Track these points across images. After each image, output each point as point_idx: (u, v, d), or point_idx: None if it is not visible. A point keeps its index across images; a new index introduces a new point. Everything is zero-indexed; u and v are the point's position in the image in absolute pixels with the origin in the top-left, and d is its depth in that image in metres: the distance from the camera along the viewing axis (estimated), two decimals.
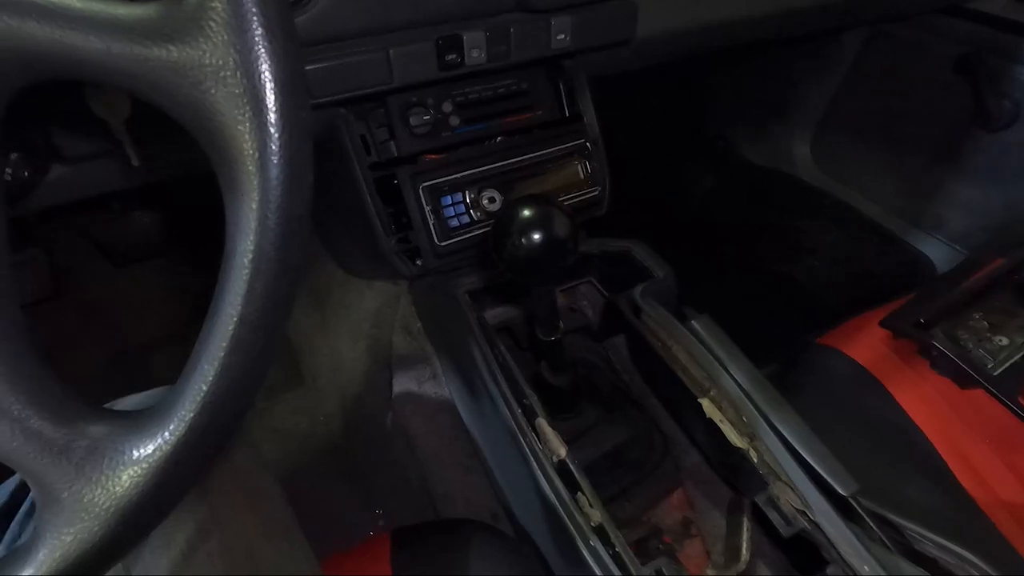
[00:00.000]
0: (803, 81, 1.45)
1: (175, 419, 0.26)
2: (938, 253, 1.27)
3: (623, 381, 0.82)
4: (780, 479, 0.55)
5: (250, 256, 0.25)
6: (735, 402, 0.60)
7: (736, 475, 0.63)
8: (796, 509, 0.54)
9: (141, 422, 0.27)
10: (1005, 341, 0.78)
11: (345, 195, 0.76)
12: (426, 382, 0.83)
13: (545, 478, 0.54)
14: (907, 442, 0.71)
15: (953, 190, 1.24)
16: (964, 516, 0.62)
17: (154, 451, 0.26)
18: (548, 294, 0.54)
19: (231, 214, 0.26)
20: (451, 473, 0.77)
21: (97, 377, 1.12)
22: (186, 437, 0.26)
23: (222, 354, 0.26)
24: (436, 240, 0.70)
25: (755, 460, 0.57)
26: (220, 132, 0.24)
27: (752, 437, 0.59)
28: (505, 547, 0.60)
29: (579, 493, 0.53)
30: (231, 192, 0.25)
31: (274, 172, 0.25)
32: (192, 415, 0.26)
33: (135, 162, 0.47)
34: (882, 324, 0.82)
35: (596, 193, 0.80)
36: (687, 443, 0.77)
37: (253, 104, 0.24)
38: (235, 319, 0.26)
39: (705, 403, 0.62)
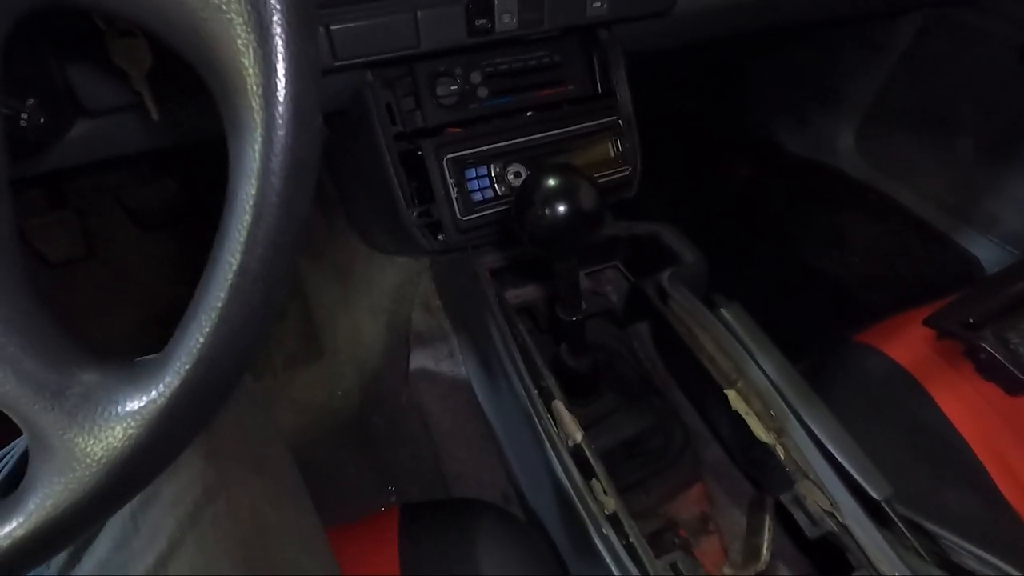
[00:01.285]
0: (851, 69, 1.38)
1: (170, 371, 0.25)
2: (988, 254, 1.20)
3: (645, 369, 0.80)
4: (807, 477, 0.52)
5: (252, 201, 0.24)
6: (763, 395, 0.57)
7: (760, 471, 0.60)
8: (824, 510, 0.51)
9: (136, 372, 0.25)
10: None
11: (369, 165, 0.74)
12: (443, 360, 0.81)
13: (559, 462, 0.52)
14: (947, 448, 0.67)
15: (1009, 188, 1.17)
16: (1006, 529, 0.58)
17: (148, 403, 0.25)
18: (571, 271, 0.51)
19: (233, 155, 0.24)
20: (464, 452, 0.75)
21: (128, 340, 1.14)
22: (181, 390, 0.25)
23: (220, 304, 0.24)
24: (459, 214, 0.68)
25: (782, 456, 0.54)
26: (222, 63, 0.23)
27: (779, 432, 0.56)
28: (513, 530, 0.59)
29: (594, 479, 0.51)
30: (233, 130, 0.24)
31: (279, 109, 0.23)
32: (188, 367, 0.25)
33: (155, 116, 0.46)
34: (926, 323, 0.77)
35: (626, 173, 0.77)
36: (709, 436, 0.75)
37: (258, 33, 0.22)
38: (234, 268, 0.24)
39: (731, 394, 0.59)
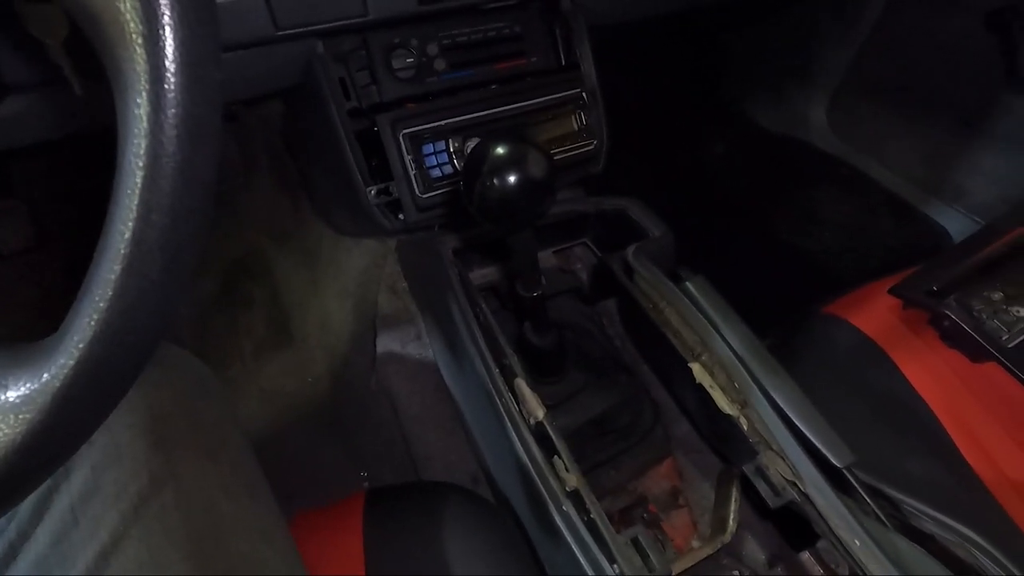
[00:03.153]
0: (823, 41, 1.37)
1: (64, 352, 0.23)
2: (956, 225, 1.21)
3: (614, 346, 0.79)
4: (771, 448, 0.52)
5: (142, 162, 0.22)
6: (727, 367, 0.57)
7: (725, 444, 0.60)
8: (786, 480, 0.50)
9: (27, 355, 0.23)
10: (1022, 313, 0.73)
11: (325, 143, 0.72)
12: (410, 342, 0.80)
13: (520, 440, 0.51)
14: (910, 415, 0.67)
15: (976, 158, 1.17)
16: (967, 493, 0.59)
17: (41, 387, 0.23)
18: (526, 245, 0.50)
19: (120, 114, 0.22)
20: (432, 435, 0.74)
21: None
22: (77, 371, 0.23)
23: (113, 276, 0.22)
24: (417, 192, 0.66)
25: (745, 428, 0.54)
26: (97, 9, 0.20)
27: (743, 404, 0.55)
28: (480, 511, 0.58)
29: (555, 457, 0.50)
30: (117, 86, 0.22)
31: (166, 58, 0.21)
32: (83, 346, 0.23)
33: (77, 90, 0.44)
34: (891, 292, 0.77)
35: (592, 147, 0.75)
36: (678, 412, 0.74)
37: None
38: (127, 237, 0.22)
39: (695, 367, 0.58)
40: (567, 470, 0.49)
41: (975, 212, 1.19)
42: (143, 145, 0.21)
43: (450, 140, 0.66)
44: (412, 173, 0.65)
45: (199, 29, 0.21)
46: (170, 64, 0.21)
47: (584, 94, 0.74)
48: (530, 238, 0.49)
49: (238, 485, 0.47)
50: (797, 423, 0.53)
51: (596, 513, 0.46)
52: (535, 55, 0.74)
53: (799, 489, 0.50)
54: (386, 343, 0.81)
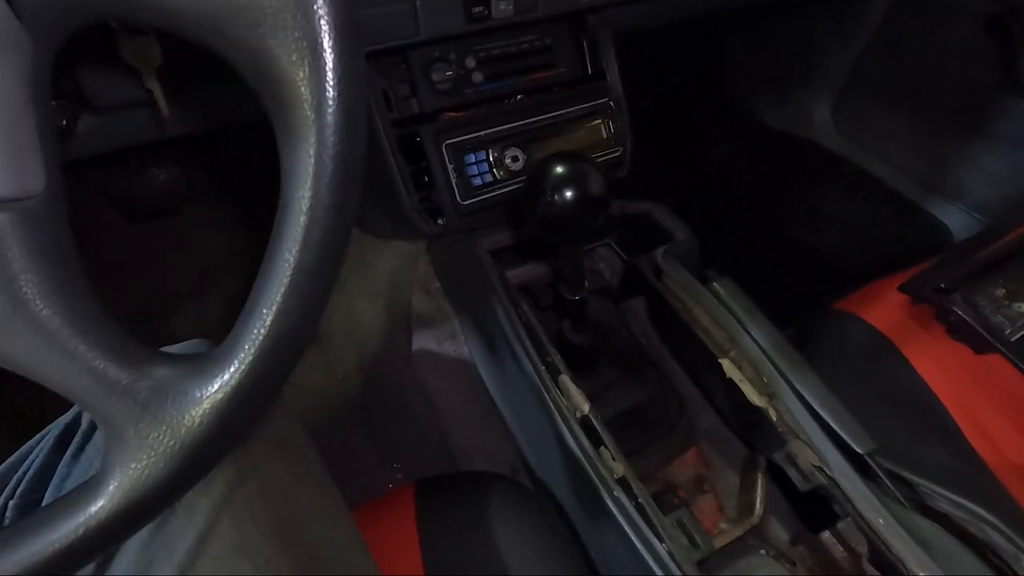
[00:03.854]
0: (826, 44, 1.41)
1: (235, 361, 0.27)
2: (957, 222, 1.26)
3: (640, 343, 0.83)
4: (798, 437, 0.57)
5: (307, 203, 0.26)
6: (755, 362, 0.61)
7: (753, 434, 0.65)
8: (813, 466, 0.55)
9: (202, 365, 0.27)
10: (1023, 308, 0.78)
11: (369, 152, 0.75)
12: (445, 341, 0.84)
13: (570, 432, 0.55)
14: (921, 406, 0.72)
15: (976, 158, 1.22)
16: (975, 476, 0.64)
17: (216, 391, 0.27)
18: (577, 252, 0.54)
19: (287, 161, 0.26)
20: (471, 429, 0.78)
21: None
22: (245, 378, 0.27)
23: (279, 299, 0.26)
24: (459, 199, 0.70)
25: (773, 419, 0.59)
26: (276, 77, 0.24)
27: (771, 396, 0.60)
28: (525, 500, 0.62)
29: (602, 447, 0.55)
30: (287, 138, 0.25)
31: (331, 118, 0.25)
32: (251, 358, 0.27)
33: (165, 113, 0.47)
34: (900, 289, 0.82)
35: (618, 154, 0.79)
36: (703, 403, 0.79)
37: (311, 48, 0.24)
38: (292, 265, 0.26)
39: (725, 363, 0.63)
40: (613, 459, 0.54)
41: (975, 209, 1.24)
42: (310, 188, 0.25)
43: (490, 150, 0.70)
44: (454, 181, 0.69)
45: (358, 91, 0.25)
46: (334, 122, 0.25)
47: (611, 102, 0.78)
48: (580, 248, 0.54)
49: (308, 476, 0.51)
50: (822, 413, 0.57)
51: (644, 498, 0.51)
52: (563, 66, 0.77)
53: (826, 474, 0.54)
54: (421, 341, 0.85)
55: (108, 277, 1.17)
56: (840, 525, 0.60)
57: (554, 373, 0.60)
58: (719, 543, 0.60)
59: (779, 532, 0.67)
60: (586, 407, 0.56)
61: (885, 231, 1.30)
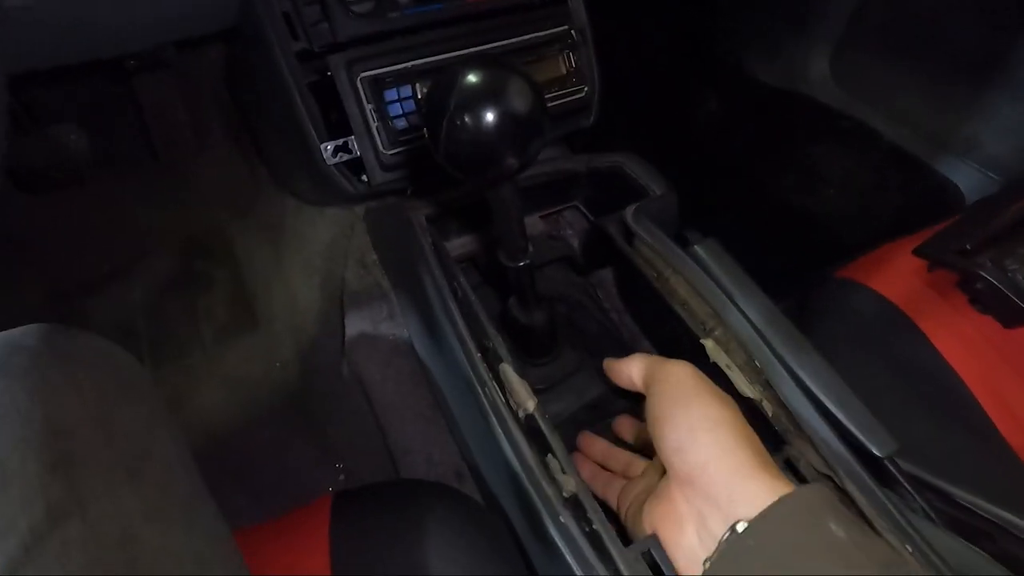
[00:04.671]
0: None
1: None
2: (968, 181, 1.13)
3: (611, 321, 0.71)
4: (800, 436, 0.45)
5: None
6: (745, 344, 0.49)
7: None
8: (819, 473, 0.43)
9: None
10: None
11: (272, 94, 0.61)
12: (382, 322, 0.71)
13: (507, 437, 0.43)
14: (942, 389, 0.60)
15: (992, 108, 1.09)
16: (1010, 475, 0.53)
17: None
18: (508, 202, 0.41)
19: None
20: (410, 426, 0.66)
21: (33, 322, 1.01)
22: None
23: None
24: (381, 147, 0.57)
25: (768, 413, 0.47)
26: None
27: (765, 385, 0.47)
28: (465, 513, 0.50)
29: (549, 455, 0.43)
30: None
31: None
32: None
33: None
34: (916, 252, 0.70)
35: (583, 94, 0.66)
36: None
37: None
38: None
39: (708, 344, 0.50)
40: (563, 471, 0.42)
41: (987, 166, 1.12)
42: None
43: (417, 85, 0.56)
44: (374, 125, 0.56)
45: None
46: None
47: (573, 32, 0.64)
48: (513, 194, 0.41)
49: (166, 508, 0.38)
50: (829, 406, 0.45)
51: (599, 523, 0.38)
52: None
53: (835, 484, 0.42)
54: (356, 323, 0.72)
55: (16, 259, 1.02)
56: None
57: (494, 361, 0.47)
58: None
59: None
60: (531, 404, 0.44)
61: (889, 192, 1.17)
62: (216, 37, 0.70)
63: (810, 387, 0.46)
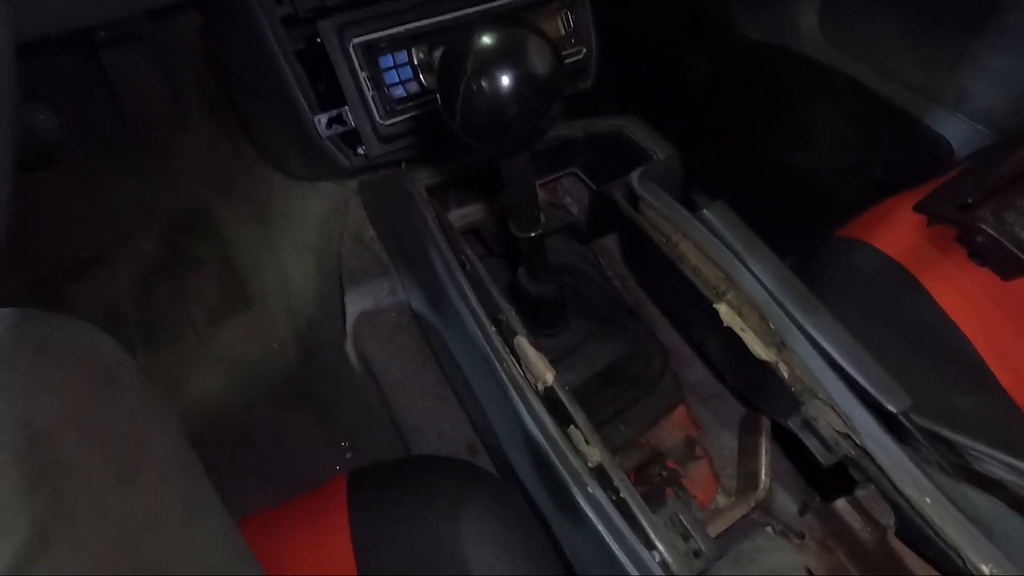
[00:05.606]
0: None
1: None
2: (958, 134, 1.13)
3: (615, 288, 0.70)
4: (817, 397, 0.45)
5: None
6: (760, 306, 0.49)
7: (758, 393, 0.53)
8: (838, 433, 0.44)
9: None
10: None
11: (256, 65, 0.58)
12: (384, 298, 0.70)
13: (528, 411, 0.43)
14: (946, 344, 0.61)
15: (981, 58, 1.09)
16: (1014, 427, 0.54)
17: None
18: (523, 172, 0.40)
19: None
20: (419, 403, 0.66)
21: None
22: None
23: None
24: (378, 117, 0.54)
25: (785, 375, 0.47)
26: None
27: (780, 348, 0.48)
28: (484, 488, 0.50)
29: (572, 427, 0.42)
30: None
31: None
32: None
33: None
34: (917, 208, 0.70)
35: (581, 56, 0.64)
36: (690, 355, 0.67)
37: None
38: None
39: (722, 309, 0.50)
40: (587, 442, 0.41)
41: (977, 119, 1.12)
42: None
43: (414, 50, 0.54)
44: (370, 94, 0.53)
45: None
46: None
47: None
48: (527, 162, 0.39)
49: (167, 511, 0.35)
50: (844, 365, 0.46)
51: (626, 491, 0.39)
52: None
53: (854, 442, 0.43)
54: (357, 301, 0.71)
55: None
56: (860, 493, 0.49)
57: (508, 335, 0.47)
58: (720, 526, 0.50)
59: (786, 502, 0.57)
60: (550, 377, 0.44)
61: (880, 148, 1.17)
62: (189, 2, 0.66)
63: (824, 347, 0.46)
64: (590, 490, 0.39)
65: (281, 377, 0.91)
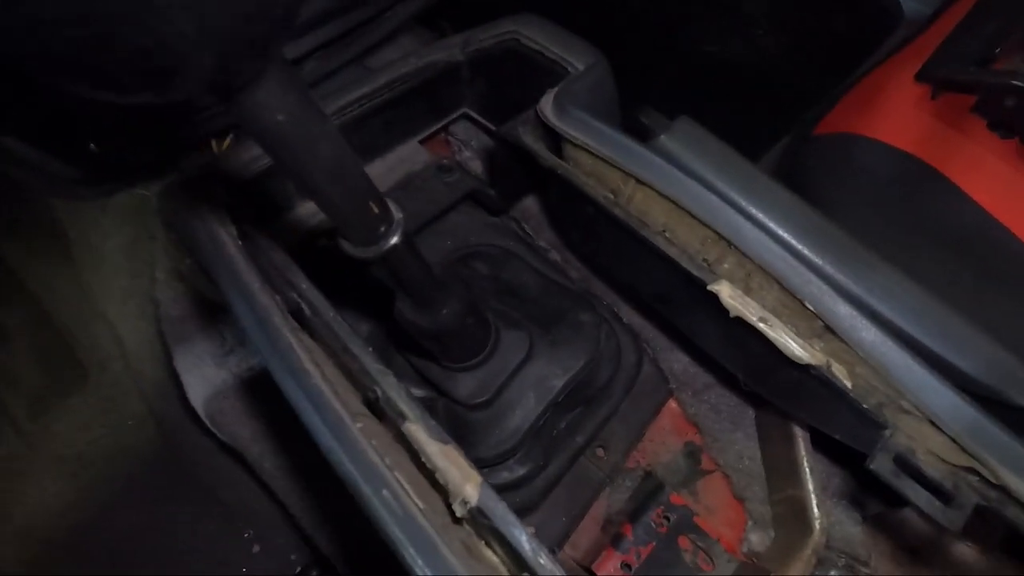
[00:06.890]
0: None
1: None
2: None
3: (555, 265, 0.51)
4: (907, 410, 0.27)
5: None
6: (780, 273, 0.30)
7: (796, 403, 0.35)
8: (954, 466, 0.26)
9: None
10: None
11: None
12: (225, 356, 0.48)
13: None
14: (992, 247, 0.46)
15: None
16: None
17: None
18: (294, 124, 0.18)
19: None
20: (312, 495, 0.45)
21: None
22: None
23: None
24: None
25: (847, 384, 0.29)
26: None
27: (826, 335, 0.29)
28: None
29: None
30: None
31: None
32: None
33: None
34: (921, 77, 0.53)
35: None
36: (672, 336, 0.49)
37: None
38: None
39: (723, 290, 0.31)
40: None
41: None
42: None
43: None
44: None
45: None
46: None
47: None
48: (305, 106, 0.17)
49: None
50: (934, 347, 0.28)
51: None
52: None
53: (980, 476, 0.26)
54: (191, 367, 0.49)
55: None
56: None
57: (391, 422, 0.26)
58: None
59: (840, 518, 0.41)
60: (472, 490, 0.24)
61: (824, 23, 0.99)
62: None
63: (898, 323, 0.29)
64: None
65: (145, 463, 0.68)
